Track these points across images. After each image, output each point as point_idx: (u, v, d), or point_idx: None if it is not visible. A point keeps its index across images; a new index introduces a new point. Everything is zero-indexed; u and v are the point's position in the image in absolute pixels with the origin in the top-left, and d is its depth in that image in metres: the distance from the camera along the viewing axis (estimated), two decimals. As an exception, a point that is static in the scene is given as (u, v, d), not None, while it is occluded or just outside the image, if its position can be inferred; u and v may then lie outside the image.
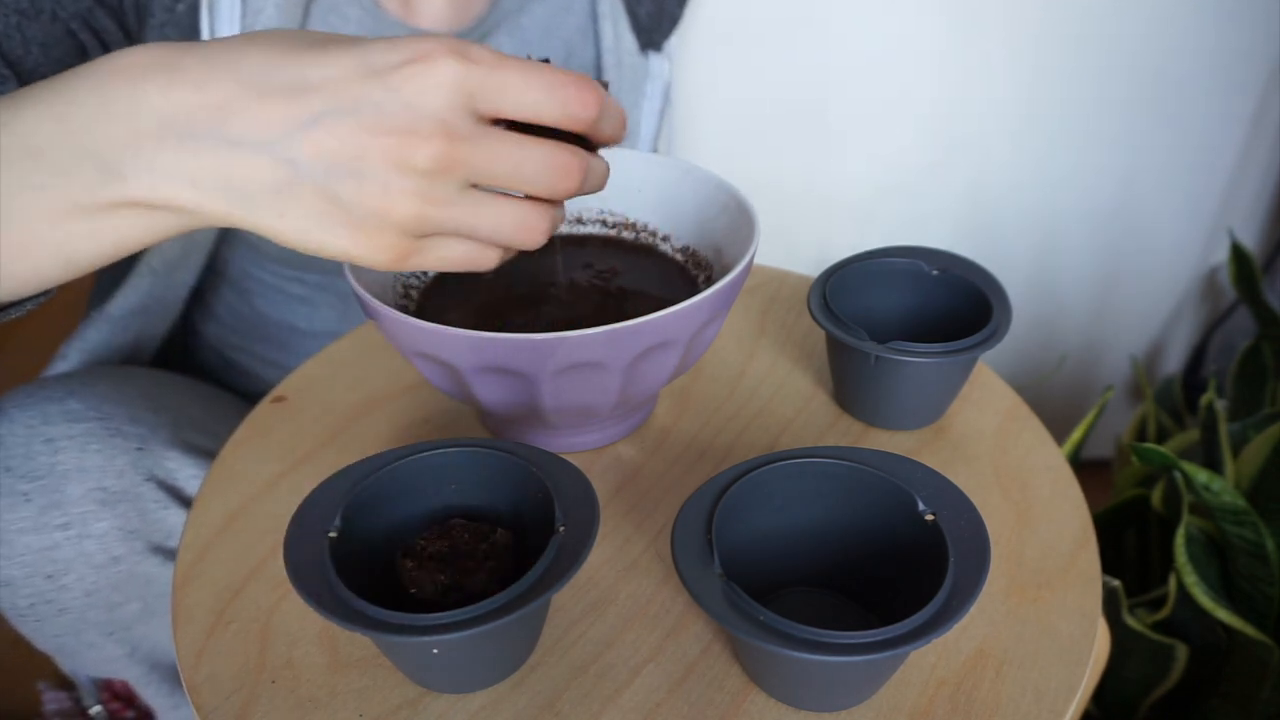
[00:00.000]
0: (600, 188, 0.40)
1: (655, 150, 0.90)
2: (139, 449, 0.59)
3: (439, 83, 0.33)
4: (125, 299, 0.72)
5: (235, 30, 0.63)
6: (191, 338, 0.83)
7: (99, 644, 0.64)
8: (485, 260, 0.39)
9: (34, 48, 0.56)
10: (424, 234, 0.36)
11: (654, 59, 0.83)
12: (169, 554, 0.61)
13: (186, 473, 0.61)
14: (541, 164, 0.36)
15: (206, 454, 0.63)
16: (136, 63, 0.34)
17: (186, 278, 0.73)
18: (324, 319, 0.79)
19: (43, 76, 0.56)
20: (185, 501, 0.61)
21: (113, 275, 0.73)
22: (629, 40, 0.80)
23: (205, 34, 0.62)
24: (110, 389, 0.61)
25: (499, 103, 0.35)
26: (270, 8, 0.63)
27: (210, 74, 0.33)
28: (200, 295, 0.79)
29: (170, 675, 0.72)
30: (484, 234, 0.37)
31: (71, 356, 0.73)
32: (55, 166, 0.34)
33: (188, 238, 0.69)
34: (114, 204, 0.35)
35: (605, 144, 0.40)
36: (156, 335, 0.75)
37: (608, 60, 0.79)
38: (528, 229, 0.38)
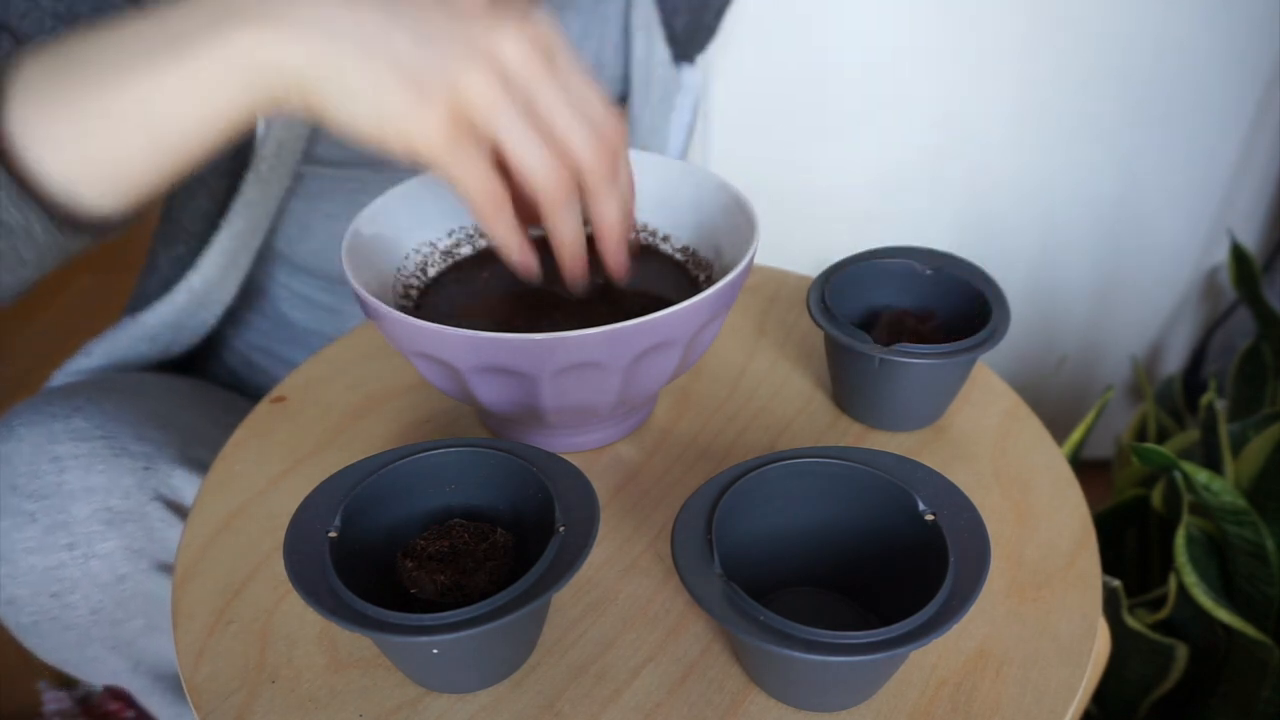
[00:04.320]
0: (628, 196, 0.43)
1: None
2: (146, 468, 0.59)
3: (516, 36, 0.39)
4: (160, 313, 0.72)
5: None
6: (218, 341, 0.82)
7: (102, 657, 0.64)
8: (549, 173, 0.41)
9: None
10: (482, 124, 0.39)
11: (686, 71, 0.82)
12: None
13: (193, 490, 0.61)
14: (593, 113, 0.41)
15: None
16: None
17: (223, 296, 0.73)
18: (352, 327, 0.79)
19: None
20: None
21: (154, 286, 0.73)
22: (663, 52, 0.79)
23: None
24: (116, 407, 0.61)
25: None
26: None
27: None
28: (230, 308, 0.79)
29: (173, 686, 0.71)
30: (560, 125, 0.40)
31: (96, 354, 0.73)
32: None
33: (229, 257, 0.70)
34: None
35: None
36: (182, 345, 0.75)
37: (636, 74, 0.78)
38: (607, 133, 0.41)
